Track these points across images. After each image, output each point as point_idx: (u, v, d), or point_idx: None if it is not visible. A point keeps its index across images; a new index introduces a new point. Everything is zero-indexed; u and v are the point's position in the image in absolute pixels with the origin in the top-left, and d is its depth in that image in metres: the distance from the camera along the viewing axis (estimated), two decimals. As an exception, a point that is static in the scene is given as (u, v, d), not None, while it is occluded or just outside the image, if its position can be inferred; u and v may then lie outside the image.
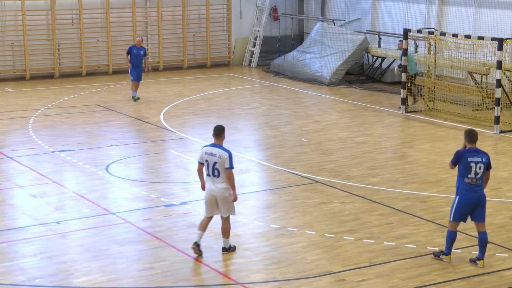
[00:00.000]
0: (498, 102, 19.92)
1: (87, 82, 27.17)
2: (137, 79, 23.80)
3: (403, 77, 22.29)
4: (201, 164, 11.66)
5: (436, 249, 12.06)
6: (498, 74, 19.85)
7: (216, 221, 13.18)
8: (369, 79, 27.61)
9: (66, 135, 19.54)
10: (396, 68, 23.51)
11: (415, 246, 12.22)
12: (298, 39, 31.72)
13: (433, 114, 21.94)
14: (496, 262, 11.59)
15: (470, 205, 11.28)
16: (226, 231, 11.85)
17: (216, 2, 30.58)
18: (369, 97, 24.76)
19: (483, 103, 22.30)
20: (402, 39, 23.45)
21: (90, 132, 19.87)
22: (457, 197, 11.35)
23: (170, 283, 10.94)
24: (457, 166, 11.38)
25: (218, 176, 11.50)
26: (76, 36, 28.23)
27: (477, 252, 11.49)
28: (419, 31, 22.61)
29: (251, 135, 20.21)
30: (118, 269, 11.40)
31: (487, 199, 11.60)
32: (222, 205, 11.66)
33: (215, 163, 11.45)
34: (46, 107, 22.92)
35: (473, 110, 21.93)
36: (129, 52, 23.65)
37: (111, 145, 18.65)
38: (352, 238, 12.56)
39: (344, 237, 12.60)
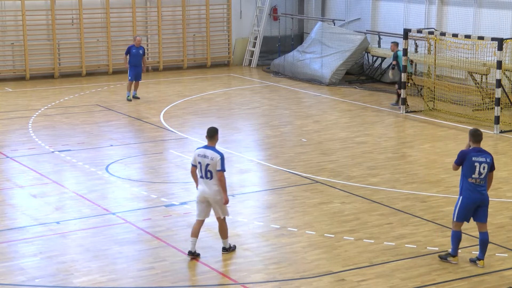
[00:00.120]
0: (498, 102, 19.92)
1: (87, 82, 27.16)
2: (136, 79, 23.80)
3: (403, 77, 22.30)
4: (194, 166, 11.62)
5: (437, 249, 12.06)
6: (498, 74, 19.85)
7: (216, 220, 13.19)
8: (369, 79, 27.61)
9: (66, 135, 19.54)
10: (390, 71, 23.47)
11: (415, 246, 12.22)
12: (298, 39, 31.72)
13: (433, 114, 21.94)
14: (496, 262, 11.59)
15: (474, 205, 11.26)
16: (223, 232, 11.82)
17: (216, 2, 30.58)
18: (369, 97, 24.76)
19: (483, 103, 22.30)
20: (394, 41, 23.55)
21: (90, 132, 19.87)
22: (461, 197, 11.31)
23: (170, 283, 10.94)
24: (461, 166, 11.34)
25: (211, 178, 11.45)
26: (76, 36, 28.23)
27: (477, 252, 11.49)
28: (419, 31, 22.61)
29: (251, 135, 20.21)
30: (118, 269, 11.40)
31: (487, 199, 11.59)
32: (215, 207, 11.62)
33: (207, 165, 11.41)
34: (46, 107, 22.92)
35: (473, 110, 21.93)
36: (128, 52, 23.65)
37: (111, 145, 18.65)
38: (352, 238, 12.56)
39: (344, 237, 12.60)
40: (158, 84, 26.98)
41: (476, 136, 11.38)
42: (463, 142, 18.82)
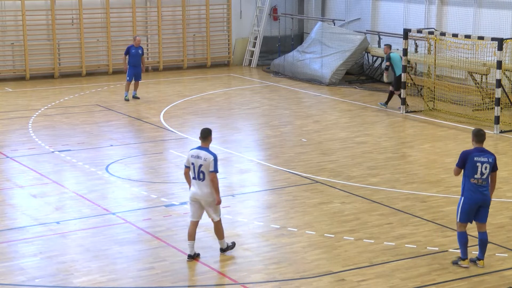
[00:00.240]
0: (498, 102, 19.92)
1: (87, 82, 27.16)
2: (136, 79, 23.80)
3: (403, 77, 22.31)
4: (187, 167, 11.55)
5: (437, 249, 12.07)
6: (498, 74, 19.85)
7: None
8: (369, 79, 27.61)
9: (66, 135, 19.54)
10: (384, 74, 23.39)
11: (415, 246, 12.22)
12: (298, 39, 31.72)
13: (433, 114, 21.95)
14: (496, 262, 11.59)
15: (476, 205, 11.22)
16: (219, 233, 11.74)
17: (216, 2, 30.58)
18: (369, 97, 24.76)
19: (483, 103, 22.30)
20: (387, 43, 23.61)
21: (90, 132, 19.87)
22: (462, 197, 11.28)
23: (170, 283, 10.95)
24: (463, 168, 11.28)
25: (203, 179, 11.37)
26: (76, 36, 28.23)
27: (477, 252, 11.48)
28: (419, 31, 22.61)
29: (251, 135, 20.21)
30: (118, 269, 11.41)
31: (487, 199, 11.57)
32: (208, 210, 11.54)
33: (200, 166, 11.35)
34: (46, 107, 22.92)
35: (473, 110, 21.93)
36: (128, 52, 23.65)
37: (111, 145, 18.65)
38: (352, 238, 12.56)
39: (344, 237, 12.60)
40: (158, 84, 26.99)
41: (479, 136, 11.34)
42: (463, 142, 18.84)
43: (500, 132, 19.86)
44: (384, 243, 12.36)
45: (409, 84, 22.72)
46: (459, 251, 11.77)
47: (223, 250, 11.83)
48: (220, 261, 11.63)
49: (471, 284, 10.89)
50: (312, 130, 20.26)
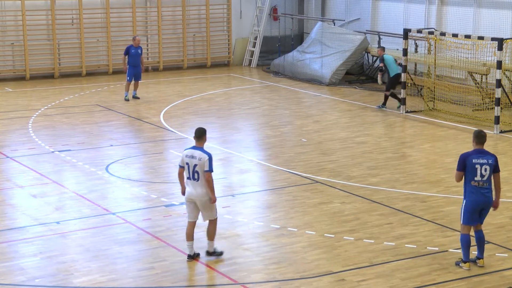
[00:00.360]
0: (498, 102, 19.92)
1: (87, 82, 27.17)
2: (136, 79, 23.80)
3: (403, 77, 22.32)
4: (181, 167, 11.49)
5: (437, 249, 12.08)
6: (498, 74, 19.85)
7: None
8: (369, 79, 27.60)
9: (66, 135, 19.54)
10: (379, 77, 23.32)
11: (415, 246, 12.22)
12: (298, 39, 31.71)
13: (433, 114, 21.95)
14: (496, 262, 11.59)
15: (478, 206, 11.15)
16: (210, 233, 11.63)
17: (216, 2, 30.58)
18: (369, 97, 24.75)
19: (483, 103, 22.30)
20: (381, 45, 23.64)
21: (90, 132, 19.87)
22: (465, 200, 11.24)
23: (170, 283, 10.95)
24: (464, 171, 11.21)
25: (198, 179, 11.31)
26: (76, 36, 28.23)
27: (476, 252, 11.48)
28: (419, 31, 22.61)
29: (251, 135, 20.21)
30: (118, 269, 11.41)
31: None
32: (202, 210, 11.47)
33: (195, 165, 11.29)
34: (46, 107, 22.92)
35: (473, 110, 21.93)
36: (127, 52, 23.64)
37: (111, 145, 18.65)
38: (352, 238, 12.56)
39: (344, 237, 12.60)
40: (158, 84, 26.99)
41: (480, 137, 11.28)
42: (463, 142, 18.85)
43: (500, 132, 19.86)
44: (384, 243, 12.36)
45: (409, 84, 22.72)
46: (459, 251, 11.78)
47: (209, 253, 11.60)
48: (220, 261, 11.62)
49: (471, 284, 10.89)
50: (312, 130, 20.26)
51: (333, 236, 12.68)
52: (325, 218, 13.54)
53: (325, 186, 15.41)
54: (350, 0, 30.10)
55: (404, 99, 22.33)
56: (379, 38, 27.75)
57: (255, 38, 31.08)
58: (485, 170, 11.11)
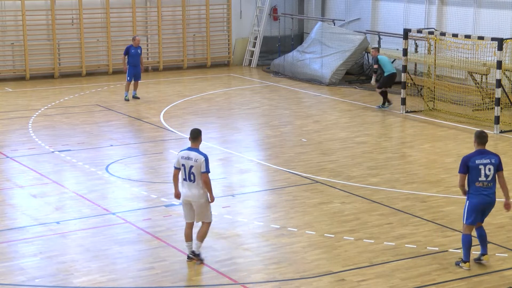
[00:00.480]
0: (498, 102, 19.92)
1: (87, 82, 27.17)
2: (135, 78, 23.81)
3: (403, 77, 22.33)
4: (177, 169, 11.42)
5: (437, 249, 12.08)
6: (498, 74, 19.85)
7: (217, 221, 13.19)
8: (369, 79, 27.53)
9: (66, 135, 19.54)
10: (373, 78, 23.23)
11: (415, 246, 12.22)
12: (298, 39, 31.71)
13: (433, 114, 21.95)
14: (496, 262, 11.59)
15: (482, 206, 11.13)
16: (201, 235, 11.50)
17: (216, 2, 30.58)
18: (369, 97, 24.75)
19: (483, 103, 22.30)
20: (376, 46, 23.63)
21: (90, 132, 19.88)
22: (468, 201, 11.21)
23: (170, 283, 10.95)
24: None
25: (194, 181, 11.25)
26: (76, 36, 28.23)
27: (480, 250, 11.44)
28: (419, 31, 22.62)
29: (251, 135, 20.21)
30: (118, 269, 11.41)
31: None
32: (197, 211, 11.41)
33: (191, 167, 11.23)
34: (46, 107, 22.92)
35: (473, 110, 21.93)
36: (127, 52, 23.65)
37: (111, 145, 18.65)
38: (352, 238, 12.56)
39: (344, 237, 12.60)
40: (158, 84, 26.99)
41: (481, 138, 11.25)
42: (463, 142, 18.85)
43: (500, 132, 19.85)
44: (384, 243, 12.36)
45: (409, 84, 22.72)
46: (459, 251, 11.78)
47: (194, 254, 11.45)
48: (220, 261, 11.62)
49: (471, 284, 10.89)
50: (312, 130, 20.26)
51: (333, 236, 12.68)
52: (325, 218, 13.54)
53: (325, 186, 15.41)
54: (350, 0, 30.11)
55: (404, 99, 22.33)
56: (379, 38, 27.75)
57: (255, 38, 31.08)
58: (489, 170, 11.08)
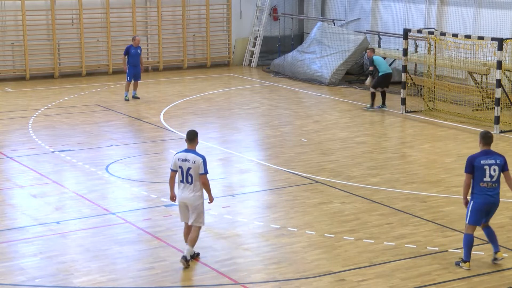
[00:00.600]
0: (498, 102, 19.92)
1: (87, 82, 27.17)
2: (135, 78, 23.81)
3: (403, 77, 22.34)
4: (174, 171, 11.37)
5: (437, 249, 12.08)
6: (498, 74, 19.85)
7: (216, 220, 13.21)
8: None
9: (66, 135, 19.54)
10: (368, 79, 23.13)
11: (415, 246, 12.22)
12: (298, 39, 31.72)
13: (433, 114, 21.94)
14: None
15: (486, 206, 11.12)
16: (192, 239, 11.42)
17: (216, 2, 30.58)
18: (369, 97, 24.64)
19: (483, 103, 22.30)
20: (371, 47, 23.63)
21: (90, 132, 19.88)
22: (472, 201, 11.20)
23: (170, 283, 10.95)
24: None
25: (191, 183, 11.22)
26: (76, 36, 28.24)
27: (492, 249, 11.41)
28: (419, 31, 22.62)
29: (251, 135, 20.21)
30: (118, 269, 11.40)
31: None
32: (191, 213, 11.37)
33: (189, 168, 11.20)
34: (46, 107, 22.92)
35: (473, 110, 21.93)
36: (127, 52, 23.64)
37: (111, 145, 18.65)
38: (352, 238, 12.56)
39: (344, 237, 12.60)
40: (158, 84, 26.99)
41: (486, 138, 11.23)
42: (463, 142, 18.85)
43: (500, 132, 19.85)
44: (384, 243, 12.36)
45: (409, 84, 22.72)
46: (459, 251, 11.79)
47: (185, 259, 11.33)
48: (220, 261, 11.62)
49: (471, 284, 10.89)
50: (312, 130, 20.26)
51: (333, 236, 12.68)
52: (325, 218, 13.54)
53: (325, 186, 15.41)
54: (350, 0, 30.11)
55: (404, 99, 22.33)
56: (379, 38, 27.76)
57: (255, 38, 31.08)
58: (494, 170, 11.06)
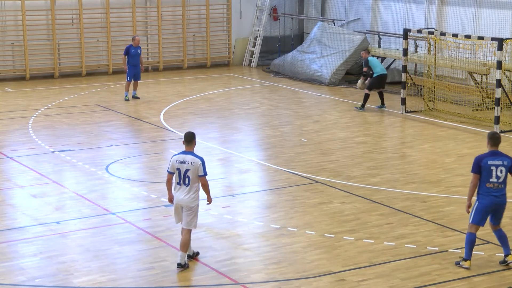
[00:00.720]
0: (498, 102, 19.92)
1: (87, 82, 27.17)
2: (135, 78, 23.81)
3: (403, 77, 22.34)
4: (171, 174, 11.34)
5: (437, 249, 12.08)
6: (498, 74, 19.85)
7: (216, 220, 13.21)
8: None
9: (66, 135, 19.54)
10: (361, 79, 23.00)
11: (415, 246, 12.22)
12: (298, 39, 31.72)
13: (433, 114, 21.95)
14: (496, 262, 11.58)
15: (491, 207, 11.11)
16: (184, 244, 11.31)
17: (216, 2, 30.58)
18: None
19: (483, 103, 22.30)
20: (366, 48, 23.66)
21: (90, 132, 19.88)
22: (477, 201, 11.19)
23: (170, 283, 10.95)
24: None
25: (188, 184, 11.18)
26: (76, 36, 28.23)
27: (503, 252, 11.41)
28: (419, 31, 22.61)
29: (251, 135, 20.21)
30: (118, 269, 11.41)
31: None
32: (184, 215, 11.29)
33: (187, 170, 11.16)
34: (46, 107, 22.92)
35: (473, 110, 21.93)
36: (127, 52, 23.64)
37: (111, 145, 18.65)
38: (352, 238, 12.56)
39: (344, 237, 12.60)
40: (158, 84, 26.99)
41: (494, 139, 11.22)
42: (463, 142, 18.86)
43: (500, 132, 19.84)
44: (384, 243, 12.36)
45: (409, 84, 22.72)
46: (459, 251, 11.79)
47: (180, 265, 11.26)
48: (220, 261, 11.62)
49: (471, 284, 10.89)
50: (312, 130, 20.26)
51: (333, 236, 12.68)
52: (325, 218, 13.54)
53: (325, 186, 15.41)
54: (350, 0, 30.11)
55: (404, 99, 22.33)
56: (379, 38, 27.76)
57: (255, 38, 31.08)
58: (501, 171, 11.05)
